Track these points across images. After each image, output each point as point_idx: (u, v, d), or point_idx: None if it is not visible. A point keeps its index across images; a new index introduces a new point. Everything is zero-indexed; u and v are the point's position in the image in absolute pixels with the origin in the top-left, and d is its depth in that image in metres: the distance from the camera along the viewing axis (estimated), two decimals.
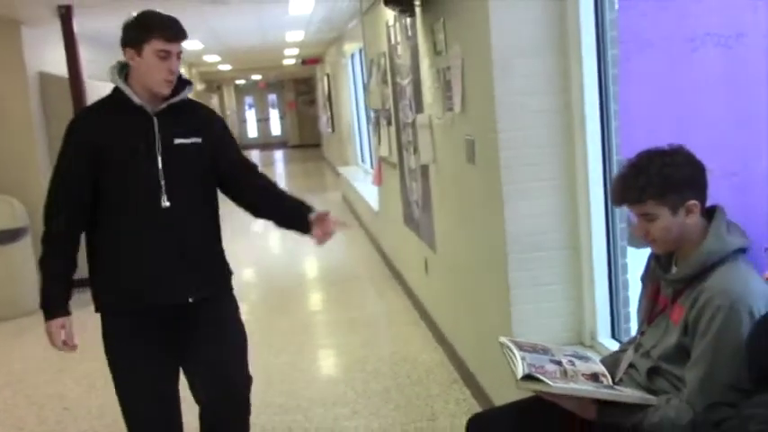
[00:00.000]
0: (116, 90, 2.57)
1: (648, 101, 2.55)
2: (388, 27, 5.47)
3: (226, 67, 18.89)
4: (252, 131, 30.71)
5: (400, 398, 4.10)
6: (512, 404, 2.38)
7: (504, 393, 2.47)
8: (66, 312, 2.58)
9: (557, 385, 2.02)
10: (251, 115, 30.94)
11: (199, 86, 19.07)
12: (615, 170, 2.96)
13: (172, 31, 2.49)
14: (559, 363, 2.17)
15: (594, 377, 2.17)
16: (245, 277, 7.84)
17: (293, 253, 8.78)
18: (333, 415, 3.97)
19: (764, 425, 1.60)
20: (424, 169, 4.69)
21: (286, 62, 18.61)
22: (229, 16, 8.80)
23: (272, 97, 30.37)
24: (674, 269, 2.07)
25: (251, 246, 9.67)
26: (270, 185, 2.86)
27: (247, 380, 2.83)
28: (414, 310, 5.66)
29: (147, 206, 2.53)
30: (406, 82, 5.02)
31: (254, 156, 25.11)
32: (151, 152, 2.52)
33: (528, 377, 2.02)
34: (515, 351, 2.15)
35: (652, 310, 2.13)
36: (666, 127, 2.39)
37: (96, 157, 2.50)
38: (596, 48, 2.94)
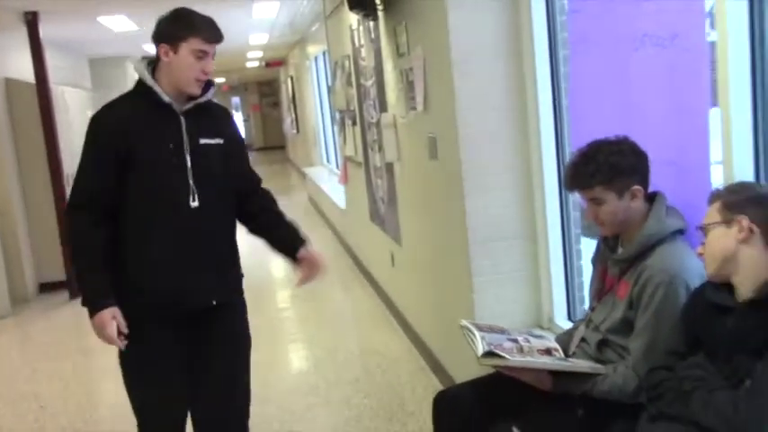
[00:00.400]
0: (140, 85, 2.49)
1: (595, 96, 2.75)
2: (351, 30, 5.63)
3: None
4: None
5: (370, 386, 4.27)
6: (474, 380, 2.56)
7: (469, 376, 2.66)
8: (113, 303, 2.43)
9: (515, 359, 2.21)
10: None
11: None
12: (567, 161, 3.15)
13: (212, 32, 2.45)
14: (516, 340, 2.36)
15: (548, 352, 2.36)
16: None
17: (260, 253, 8.87)
18: (306, 404, 4.12)
19: (697, 382, 1.80)
20: (389, 167, 4.86)
21: (249, 65, 18.66)
22: None
23: (236, 100, 30.29)
24: (619, 250, 2.27)
25: None
26: (269, 206, 2.81)
27: (248, 398, 2.79)
28: (381, 303, 5.83)
29: (175, 206, 2.46)
30: (370, 83, 5.18)
31: None
32: (179, 152, 2.46)
33: (488, 354, 2.21)
34: (475, 331, 2.33)
35: (601, 289, 2.33)
36: (612, 120, 2.59)
37: (123, 155, 2.41)
38: (548, 48, 3.13)
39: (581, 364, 2.24)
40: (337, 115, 7.38)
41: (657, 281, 2.07)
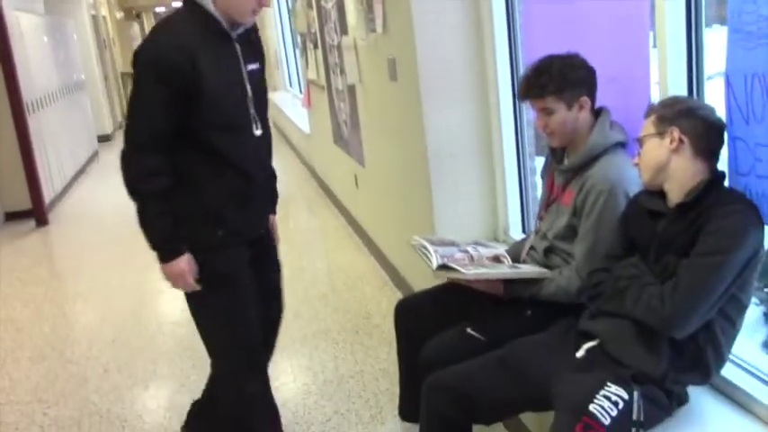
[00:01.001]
0: (195, 8, 2.28)
1: (545, 15, 2.85)
2: None
3: None
4: None
5: (337, 301, 4.46)
6: (431, 289, 2.74)
7: (424, 284, 2.84)
8: (186, 248, 2.37)
9: (469, 272, 2.39)
10: None
11: (117, 15, 18.56)
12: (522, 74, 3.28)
13: None
14: (466, 251, 2.53)
15: (496, 259, 2.54)
16: None
17: None
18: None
19: (630, 280, 1.98)
20: (351, 89, 4.94)
21: None
22: None
23: None
24: (566, 162, 2.42)
25: None
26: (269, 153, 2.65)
27: None
28: (346, 224, 5.99)
29: (244, 136, 2.38)
30: (330, 5, 5.20)
31: None
32: (240, 80, 2.35)
33: (442, 267, 2.38)
34: (428, 246, 2.49)
35: (548, 198, 2.49)
36: (560, 38, 2.70)
37: (191, 88, 2.21)
38: None
39: (529, 271, 2.42)
40: (299, 38, 7.36)
41: (599, 189, 2.23)
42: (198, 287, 2.40)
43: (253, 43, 2.43)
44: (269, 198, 2.69)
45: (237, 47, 2.34)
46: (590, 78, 2.33)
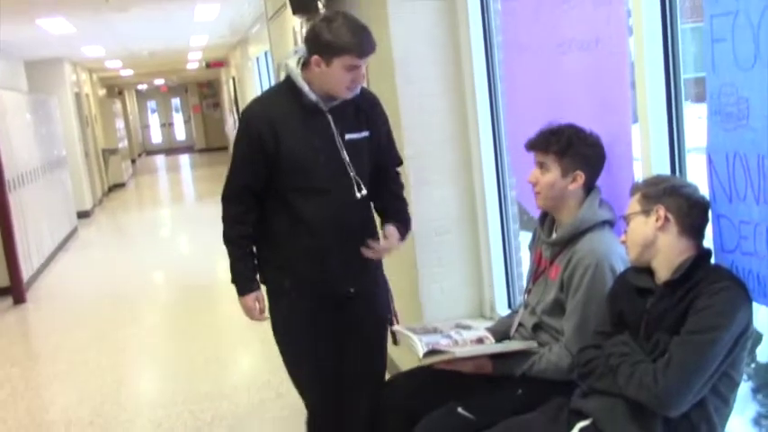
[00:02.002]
0: (289, 82, 2.51)
1: (528, 96, 2.92)
2: (294, 32, 5.73)
3: (128, 72, 18.68)
4: (156, 137, 30.28)
5: None
6: (416, 369, 2.68)
7: (412, 364, 2.81)
8: (258, 287, 2.65)
9: (459, 350, 2.38)
10: (154, 120, 30.49)
11: (100, 92, 18.77)
12: (505, 159, 3.34)
13: (366, 47, 2.41)
14: (449, 336, 2.52)
15: (480, 341, 2.53)
16: (160, 279, 7.97)
17: (207, 254, 8.91)
18: (258, 399, 4.23)
19: (622, 357, 1.98)
20: None
21: (190, 66, 18.55)
22: (134, 22, 8.86)
23: (176, 101, 30.00)
24: (554, 235, 2.44)
25: (161, 249, 9.75)
26: (398, 192, 2.79)
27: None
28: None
29: (327, 197, 2.53)
30: None
31: (160, 160, 24.82)
32: (331, 148, 2.51)
33: (429, 353, 2.37)
34: (412, 335, 2.49)
35: (536, 272, 2.50)
36: (544, 118, 2.76)
37: (271, 151, 2.48)
38: (484, 51, 3.31)
39: (516, 344, 2.42)
40: None
41: (586, 263, 2.25)
42: (263, 319, 2.69)
43: (354, 113, 2.57)
44: (357, 250, 2.61)
45: (330, 118, 2.51)
46: (594, 159, 2.35)
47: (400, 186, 2.80)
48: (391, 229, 2.67)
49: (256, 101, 2.65)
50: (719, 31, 1.84)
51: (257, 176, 2.54)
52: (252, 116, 2.55)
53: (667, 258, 1.96)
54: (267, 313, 2.70)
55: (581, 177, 2.33)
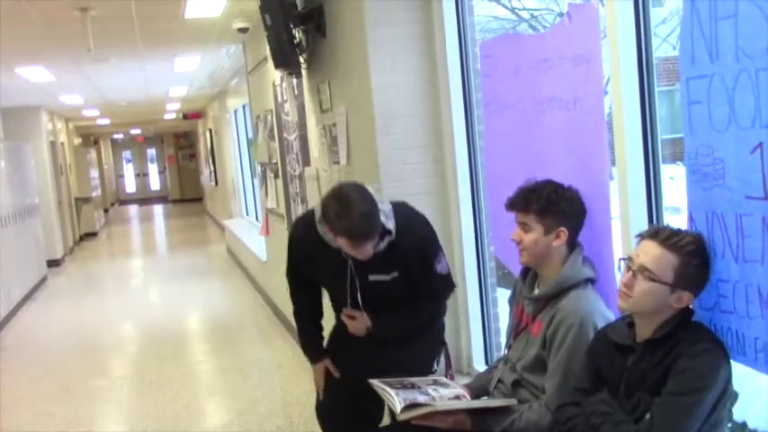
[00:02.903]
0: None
1: (508, 153, 2.96)
2: (275, 86, 5.79)
3: (104, 121, 18.65)
4: (130, 186, 30.13)
5: None
6: (395, 424, 2.65)
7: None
8: (324, 356, 2.98)
9: (439, 404, 2.35)
10: (129, 170, 30.38)
11: (75, 141, 18.70)
12: (483, 215, 3.36)
13: (356, 237, 2.54)
14: (427, 393, 2.50)
15: (457, 398, 2.51)
16: (129, 330, 7.83)
17: (178, 306, 8.82)
18: None
19: (603, 416, 1.97)
20: None
21: (167, 116, 18.58)
22: (113, 72, 8.89)
23: (151, 152, 29.96)
24: (536, 291, 2.44)
25: (132, 300, 9.62)
26: (415, 305, 2.85)
27: None
28: (302, 354, 5.86)
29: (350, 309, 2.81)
30: (293, 137, 5.33)
31: (133, 210, 24.64)
32: (350, 284, 2.76)
33: (408, 407, 2.35)
34: (389, 390, 2.46)
35: (517, 327, 2.50)
36: (523, 175, 2.80)
37: (306, 264, 2.87)
38: (464, 108, 3.37)
39: (496, 401, 2.40)
40: (258, 168, 7.48)
41: (570, 322, 2.24)
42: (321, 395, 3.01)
43: (384, 256, 2.66)
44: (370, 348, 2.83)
45: (351, 262, 2.70)
46: (576, 214, 2.36)
47: (425, 305, 2.84)
48: (365, 317, 2.79)
49: (301, 219, 3.00)
50: (695, 93, 1.89)
51: (299, 273, 2.94)
52: (293, 232, 2.98)
53: (657, 322, 1.95)
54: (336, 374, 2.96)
55: (564, 234, 2.34)
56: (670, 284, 1.89)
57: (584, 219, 2.38)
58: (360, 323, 2.79)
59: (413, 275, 2.74)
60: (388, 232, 2.63)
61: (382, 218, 2.59)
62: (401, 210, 2.74)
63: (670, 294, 1.90)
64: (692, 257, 1.88)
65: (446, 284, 2.86)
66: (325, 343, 3.03)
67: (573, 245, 2.38)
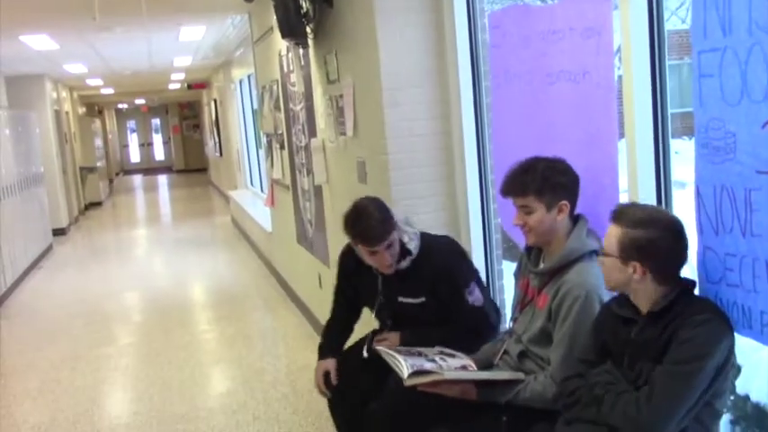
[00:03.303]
0: None
1: (515, 126, 2.96)
2: (281, 56, 5.76)
3: (108, 91, 18.58)
4: (134, 156, 30.12)
5: (299, 403, 4.36)
6: (400, 392, 2.67)
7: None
8: (328, 357, 3.14)
9: (447, 372, 2.37)
10: (133, 140, 30.34)
11: (79, 110, 18.66)
12: (490, 187, 3.36)
13: (371, 241, 2.77)
14: (434, 361, 2.52)
15: (464, 368, 2.53)
16: (135, 299, 7.88)
17: (183, 276, 8.86)
18: (234, 422, 4.18)
19: (607, 386, 1.99)
20: (318, 190, 4.99)
21: (172, 86, 18.51)
22: (118, 42, 8.84)
23: (156, 121, 29.89)
24: (541, 265, 2.45)
25: (137, 269, 9.66)
26: (447, 327, 2.90)
27: None
28: (308, 323, 5.92)
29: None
30: (299, 108, 5.31)
31: (138, 180, 24.67)
32: (379, 303, 2.97)
33: (414, 374, 2.36)
34: (397, 356, 2.48)
35: (522, 300, 2.51)
36: (530, 148, 2.79)
37: (346, 281, 3.14)
38: (472, 79, 3.35)
39: (503, 373, 2.41)
40: (264, 139, 7.46)
41: (575, 294, 2.26)
42: (322, 392, 3.17)
43: (414, 279, 2.85)
44: None
45: (380, 279, 2.92)
46: (572, 185, 2.37)
47: (454, 326, 2.85)
48: (392, 336, 2.95)
49: (349, 244, 3.06)
50: (707, 66, 1.88)
51: (341, 289, 3.19)
52: (342, 251, 3.16)
53: (646, 296, 1.97)
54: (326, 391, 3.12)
55: (566, 207, 2.34)
56: (617, 257, 1.93)
57: (579, 187, 2.38)
58: (387, 342, 2.90)
59: (443, 303, 2.84)
60: (409, 252, 2.84)
61: (405, 238, 2.85)
62: (430, 237, 2.96)
63: (624, 267, 1.93)
64: (637, 228, 1.91)
65: (480, 318, 2.86)
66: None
67: (575, 218, 2.39)
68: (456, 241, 3.09)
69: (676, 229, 1.93)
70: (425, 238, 2.92)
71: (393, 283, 2.89)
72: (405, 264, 2.84)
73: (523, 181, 2.33)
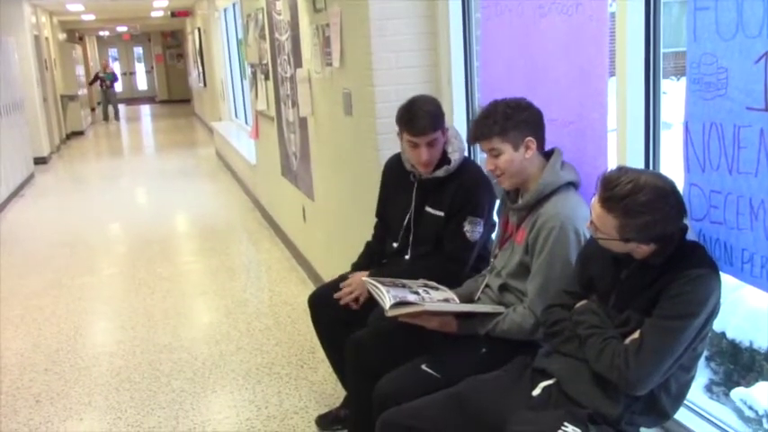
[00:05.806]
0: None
1: (504, 58, 2.91)
2: None
3: (89, 17, 18.15)
4: (116, 85, 29.57)
5: (282, 335, 4.40)
6: (381, 328, 2.69)
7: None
8: (359, 270, 3.10)
9: (428, 304, 2.38)
10: (115, 68, 29.75)
11: (60, 36, 18.24)
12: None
13: (415, 128, 2.76)
14: (417, 293, 2.52)
15: (446, 301, 2.54)
16: (117, 229, 7.85)
17: (167, 207, 8.82)
18: (218, 351, 4.22)
19: (592, 329, 1.99)
20: (303, 122, 4.93)
21: (154, 14, 18.10)
22: None
23: (138, 50, 29.32)
24: (519, 201, 2.45)
25: (120, 199, 9.60)
26: (425, 263, 2.93)
27: None
28: (291, 257, 5.93)
29: (396, 249, 3.06)
30: (284, 37, 5.21)
31: (120, 110, 24.37)
32: (406, 211, 2.98)
33: (396, 305, 2.37)
34: (380, 287, 2.48)
35: (503, 236, 2.51)
36: (519, 82, 2.76)
37: (385, 192, 3.16)
38: (461, 10, 3.28)
39: (483, 306, 2.43)
40: (249, 69, 7.34)
41: (550, 225, 2.26)
42: (346, 299, 3.03)
43: (442, 191, 2.87)
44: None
45: (415, 187, 2.95)
46: (535, 119, 2.36)
47: (435, 263, 2.86)
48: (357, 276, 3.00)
49: (397, 154, 3.09)
50: None
51: (382, 206, 3.20)
52: (388, 159, 3.19)
53: (647, 255, 1.94)
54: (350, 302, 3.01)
55: (532, 143, 2.34)
56: (619, 240, 1.89)
57: (543, 121, 2.37)
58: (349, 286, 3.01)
59: (452, 222, 2.84)
60: (448, 161, 2.84)
61: (449, 148, 2.85)
62: (474, 163, 2.99)
63: (625, 245, 1.89)
64: (630, 217, 1.84)
65: (464, 250, 2.85)
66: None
67: (547, 153, 2.38)
68: (493, 184, 2.91)
69: (673, 202, 1.85)
70: (468, 160, 2.96)
71: (426, 191, 2.92)
72: (440, 173, 2.85)
73: (486, 124, 2.33)
